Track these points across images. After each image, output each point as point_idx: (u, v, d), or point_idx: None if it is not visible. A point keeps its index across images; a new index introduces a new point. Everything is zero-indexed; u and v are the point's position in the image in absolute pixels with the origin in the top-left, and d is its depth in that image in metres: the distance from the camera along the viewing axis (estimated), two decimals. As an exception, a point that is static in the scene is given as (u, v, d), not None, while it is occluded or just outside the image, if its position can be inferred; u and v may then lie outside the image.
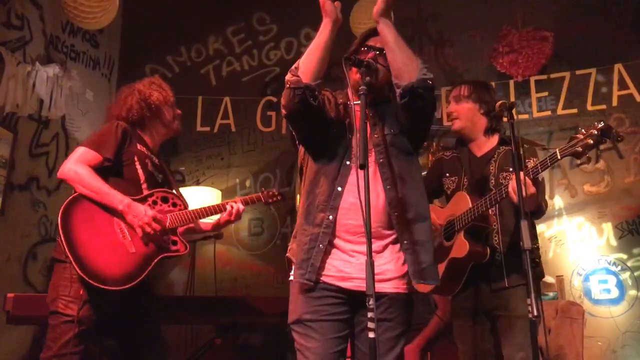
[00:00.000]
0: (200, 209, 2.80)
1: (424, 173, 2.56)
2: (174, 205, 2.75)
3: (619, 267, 4.35)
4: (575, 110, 4.59)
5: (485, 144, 2.88)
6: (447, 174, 2.97)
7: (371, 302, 1.64)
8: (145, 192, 2.70)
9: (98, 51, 5.36)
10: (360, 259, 1.98)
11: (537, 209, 2.66)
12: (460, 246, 2.69)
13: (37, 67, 4.40)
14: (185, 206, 2.80)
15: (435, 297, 3.66)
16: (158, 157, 2.91)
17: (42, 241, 4.45)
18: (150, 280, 2.82)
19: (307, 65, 2.02)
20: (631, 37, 4.59)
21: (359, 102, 1.91)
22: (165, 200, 2.74)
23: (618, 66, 4.48)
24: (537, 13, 4.84)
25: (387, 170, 2.07)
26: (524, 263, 2.18)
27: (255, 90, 5.42)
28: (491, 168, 2.81)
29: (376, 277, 1.94)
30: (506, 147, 2.83)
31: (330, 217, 2.02)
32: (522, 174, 2.42)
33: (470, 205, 2.68)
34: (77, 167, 2.59)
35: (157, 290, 4.71)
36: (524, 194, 2.36)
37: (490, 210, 2.70)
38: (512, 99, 4.62)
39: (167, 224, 2.67)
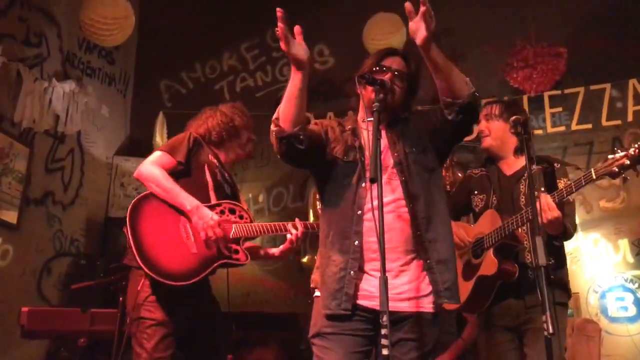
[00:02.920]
0: (265, 224, 2.84)
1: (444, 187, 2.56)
2: (241, 217, 2.78)
3: (637, 285, 4.29)
4: (589, 126, 4.57)
5: (515, 163, 2.88)
6: (476, 192, 2.96)
7: (384, 318, 1.63)
8: (214, 201, 2.75)
9: (114, 67, 5.43)
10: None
11: (563, 233, 2.64)
12: (490, 264, 2.68)
13: (53, 84, 4.46)
14: (252, 220, 2.82)
15: (466, 316, 3.63)
16: (229, 172, 2.99)
17: (57, 256, 4.48)
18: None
19: (285, 114, 2.04)
20: (646, 52, 4.56)
21: (372, 119, 1.91)
22: (232, 211, 2.77)
23: (633, 81, 4.46)
24: (551, 28, 4.83)
25: (410, 189, 2.06)
26: (539, 280, 2.16)
27: (268, 106, 5.40)
28: (521, 187, 2.80)
29: (397, 296, 1.96)
30: (537, 166, 2.82)
31: (356, 242, 2.01)
32: (547, 196, 2.46)
33: (501, 224, 2.68)
34: (153, 167, 2.68)
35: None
36: (549, 216, 2.39)
37: (521, 229, 2.68)
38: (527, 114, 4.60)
39: (232, 233, 2.70)
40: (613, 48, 4.63)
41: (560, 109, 4.65)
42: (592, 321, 3.71)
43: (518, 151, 2.86)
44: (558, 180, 2.73)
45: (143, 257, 2.49)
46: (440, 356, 3.55)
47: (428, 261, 2.01)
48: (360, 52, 4.63)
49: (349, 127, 2.19)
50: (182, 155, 2.73)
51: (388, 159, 2.10)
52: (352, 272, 1.98)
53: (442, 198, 2.16)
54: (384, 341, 1.62)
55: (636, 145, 2.35)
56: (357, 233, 2.01)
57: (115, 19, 4.36)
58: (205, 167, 2.78)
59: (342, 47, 5.27)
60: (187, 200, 2.62)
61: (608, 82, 4.53)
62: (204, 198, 2.71)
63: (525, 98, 4.72)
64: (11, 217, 4.05)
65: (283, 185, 5.30)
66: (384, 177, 2.04)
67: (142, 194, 2.68)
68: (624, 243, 4.38)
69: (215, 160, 2.86)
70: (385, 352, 1.61)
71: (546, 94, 4.66)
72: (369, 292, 1.99)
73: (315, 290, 2.16)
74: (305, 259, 4.92)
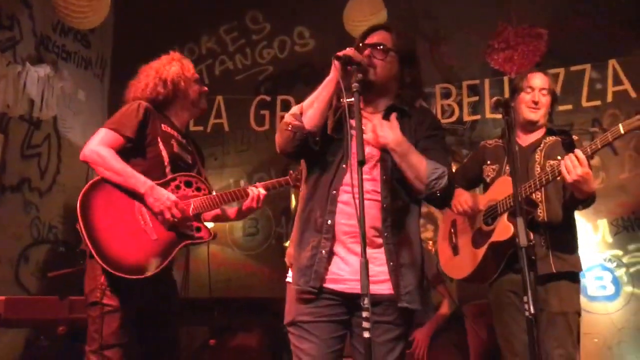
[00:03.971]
0: (223, 193, 2.72)
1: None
2: (198, 189, 2.66)
3: (615, 264, 4.35)
4: (570, 107, 4.58)
5: (531, 134, 2.90)
6: (489, 162, 2.98)
7: (365, 301, 1.62)
8: (169, 176, 2.61)
9: (90, 51, 5.31)
10: (355, 260, 1.95)
11: (590, 194, 2.61)
12: (504, 229, 2.69)
13: (27, 68, 4.36)
14: (210, 190, 2.71)
15: (440, 289, 3.67)
16: (187, 136, 2.83)
17: (34, 243, 4.41)
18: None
19: (312, 115, 2.02)
20: (625, 33, 4.57)
21: (352, 99, 1.88)
22: (188, 184, 2.65)
23: (612, 62, 4.47)
24: (532, 9, 4.82)
25: (387, 185, 2.05)
26: (520, 260, 2.16)
27: (248, 89, 5.39)
28: (537, 157, 2.83)
29: (373, 279, 1.92)
30: (554, 137, 2.87)
31: (329, 221, 2.01)
32: (577, 150, 2.45)
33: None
34: (100, 148, 2.50)
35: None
36: (580, 172, 2.39)
37: (536, 196, 2.71)
38: (507, 95, 4.60)
39: (191, 209, 2.59)
40: (593, 29, 4.64)
41: (541, 90, 4.66)
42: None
43: (535, 122, 2.88)
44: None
45: (101, 254, 2.38)
46: (419, 330, 3.59)
47: (391, 264, 2.01)
48: (341, 34, 4.59)
49: (344, 102, 2.15)
50: (132, 131, 2.54)
51: (376, 150, 2.08)
52: (323, 251, 1.99)
53: (416, 209, 2.15)
54: (365, 324, 1.61)
55: None
56: (330, 212, 2.01)
57: (90, 0, 4.25)
58: (158, 139, 2.61)
59: (323, 29, 5.22)
60: (140, 182, 2.47)
61: (588, 63, 4.55)
62: (160, 175, 2.58)
63: (506, 80, 4.72)
64: (-14, 204, 3.98)
65: (264, 170, 5.26)
66: (369, 164, 2.05)
67: (91, 181, 2.51)
68: (603, 223, 4.43)
69: (169, 128, 2.69)
70: (366, 334, 1.60)
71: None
72: (337, 275, 1.99)
73: (289, 270, 2.14)
74: (287, 244, 4.90)
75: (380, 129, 2.01)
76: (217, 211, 2.85)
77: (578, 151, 2.47)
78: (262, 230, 5.18)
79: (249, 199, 2.76)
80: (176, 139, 2.70)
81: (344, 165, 2.04)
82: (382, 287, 2.00)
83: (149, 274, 2.43)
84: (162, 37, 5.55)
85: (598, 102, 4.53)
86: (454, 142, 4.85)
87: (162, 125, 2.67)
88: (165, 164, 2.62)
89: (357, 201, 1.74)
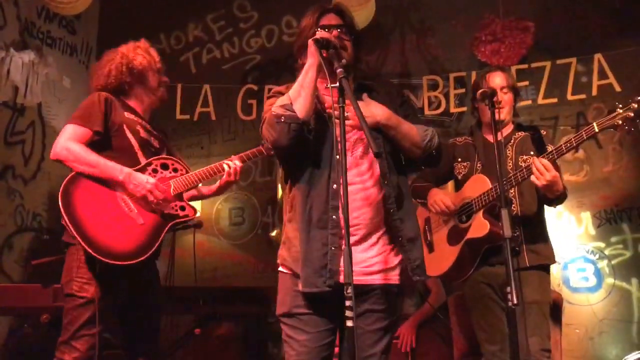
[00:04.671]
0: (202, 170, 2.73)
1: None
2: (175, 170, 2.67)
3: (597, 256, 4.40)
4: (555, 100, 4.61)
5: (498, 129, 2.91)
6: (459, 159, 3.02)
7: (349, 290, 1.63)
8: (143, 161, 2.61)
9: (75, 37, 5.25)
10: (357, 253, 1.96)
11: (561, 194, 2.70)
12: (480, 226, 2.74)
13: (11, 53, 4.30)
14: (187, 170, 2.72)
15: (428, 281, 3.70)
16: (150, 123, 2.81)
17: (18, 231, 4.37)
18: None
19: (302, 104, 1.98)
20: (611, 27, 4.60)
21: (336, 85, 1.85)
22: (165, 167, 2.66)
23: (598, 56, 4.50)
24: (519, 2, 4.83)
25: (384, 164, 2.05)
26: (504, 251, 2.19)
27: (235, 78, 5.36)
28: (508, 152, 2.87)
29: (366, 269, 1.98)
30: (523, 132, 2.92)
31: (334, 217, 1.99)
32: (540, 158, 2.56)
33: (490, 186, 2.74)
34: (69, 144, 2.48)
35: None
36: (548, 178, 2.49)
37: (511, 191, 2.77)
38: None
39: (172, 190, 2.60)
40: (579, 23, 4.67)
41: (526, 82, 4.68)
42: (555, 291, 3.80)
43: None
44: (547, 146, 2.79)
45: (92, 246, 2.36)
46: (404, 325, 3.63)
47: (400, 239, 2.02)
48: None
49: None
50: (99, 123, 2.54)
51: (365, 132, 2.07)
52: (333, 247, 1.97)
53: (407, 181, 2.20)
54: (348, 313, 1.61)
55: (638, 98, 2.44)
56: (334, 208, 1.99)
57: (75, -14, 4.20)
58: (124, 127, 2.60)
59: (311, 19, 5.19)
60: (117, 170, 2.47)
61: (574, 57, 4.57)
62: (132, 162, 2.57)
63: (492, 72, 4.73)
64: (-31, 191, 3.93)
65: (251, 160, 5.24)
66: (360, 149, 2.05)
67: (68, 177, 2.48)
68: (586, 216, 4.47)
69: (132, 115, 2.68)
70: (349, 323, 1.60)
71: (513, 68, 4.68)
72: (343, 269, 1.97)
73: (280, 266, 2.14)
74: (274, 233, 4.91)
75: (366, 110, 2.00)
76: (193, 192, 2.86)
77: (540, 160, 2.57)
78: (248, 220, 5.17)
79: (226, 173, 2.76)
80: (141, 124, 2.69)
81: (337, 157, 2.01)
82: (377, 277, 2.01)
83: (142, 257, 2.43)
84: (148, 24, 5.50)
85: (583, 96, 4.56)
86: (440, 134, 4.83)
87: (125, 112, 2.66)
88: (136, 149, 2.62)
89: (342, 194, 1.75)
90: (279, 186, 4.85)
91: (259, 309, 4.09)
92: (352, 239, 1.97)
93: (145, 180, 2.49)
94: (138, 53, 2.74)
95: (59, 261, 3.29)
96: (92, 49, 5.52)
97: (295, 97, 1.99)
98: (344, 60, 1.95)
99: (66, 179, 2.49)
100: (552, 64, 4.62)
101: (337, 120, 1.92)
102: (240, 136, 5.29)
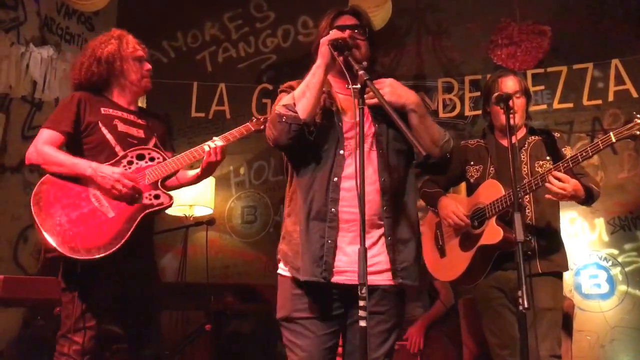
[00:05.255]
0: (178, 156, 2.69)
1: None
2: (152, 159, 2.65)
3: (610, 263, 4.37)
4: (571, 105, 4.59)
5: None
6: (472, 162, 3.00)
7: (364, 291, 1.62)
8: (120, 155, 2.62)
9: (93, 34, 5.28)
10: (352, 251, 1.94)
11: (587, 197, 2.68)
12: (493, 232, 2.72)
13: (31, 49, 4.36)
14: (165, 158, 2.69)
15: (437, 283, 3.69)
16: (136, 112, 2.78)
17: (33, 224, 4.41)
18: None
19: (305, 105, 1.97)
20: (629, 33, 4.57)
21: (357, 86, 1.83)
22: (141, 157, 2.64)
23: (615, 62, 4.47)
24: (536, 6, 4.81)
25: (384, 163, 2.04)
26: (515, 254, 2.19)
27: (251, 78, 5.39)
28: (522, 157, 2.84)
29: (369, 269, 1.90)
30: (536, 136, 2.89)
31: (333, 209, 1.98)
32: (554, 172, 2.54)
33: (503, 193, 2.71)
34: (39, 147, 2.54)
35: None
36: (569, 189, 2.48)
37: (524, 198, 2.74)
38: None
39: (147, 179, 2.60)
40: (597, 28, 4.64)
41: (542, 87, 4.66)
42: (567, 297, 3.78)
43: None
44: (563, 149, 2.77)
45: (62, 245, 2.40)
46: (412, 327, 3.63)
47: (390, 238, 2.00)
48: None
49: (324, 89, 2.10)
50: (68, 124, 2.57)
51: (370, 127, 2.06)
52: (329, 240, 1.96)
53: (413, 180, 2.14)
54: (362, 313, 1.61)
55: None
56: (333, 201, 1.98)
57: (95, -17, 4.25)
58: (99, 124, 2.61)
59: (327, 19, 5.20)
60: (83, 166, 2.50)
61: (591, 62, 4.54)
62: (110, 156, 2.59)
63: (508, 76, 4.72)
64: (-14, 184, 3.99)
65: (264, 159, 5.27)
66: (365, 146, 2.01)
67: (40, 180, 2.55)
68: (600, 222, 4.44)
69: (111, 109, 2.67)
70: (362, 323, 1.61)
71: (529, 72, 4.66)
72: (337, 267, 1.97)
73: (280, 263, 2.12)
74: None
75: (395, 91, 1.97)
76: (173, 181, 2.81)
77: (557, 173, 2.56)
78: (260, 218, 5.19)
79: (206, 153, 2.70)
80: (120, 118, 2.68)
81: (341, 152, 2.02)
82: (380, 277, 1.99)
83: (113, 249, 2.43)
84: (166, 22, 5.56)
85: (599, 101, 4.52)
86: (454, 136, 4.83)
87: (102, 109, 2.66)
88: (113, 144, 2.62)
89: (358, 190, 1.73)
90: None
91: (269, 307, 4.10)
92: (350, 235, 1.97)
93: (111, 172, 2.50)
94: (109, 43, 2.70)
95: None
96: (110, 46, 5.56)
97: (299, 98, 1.99)
98: (364, 63, 1.93)
99: (37, 185, 2.55)
100: (568, 69, 4.60)
101: (345, 120, 1.94)
102: (254, 135, 5.27)
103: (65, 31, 4.91)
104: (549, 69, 4.66)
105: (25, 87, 4.31)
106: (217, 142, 2.72)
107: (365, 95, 1.85)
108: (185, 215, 4.80)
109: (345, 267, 1.96)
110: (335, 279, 1.96)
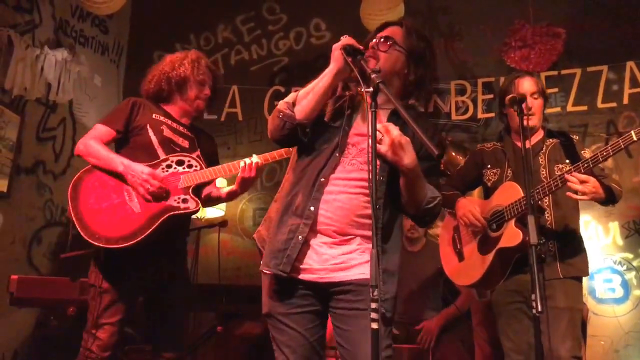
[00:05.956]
0: (214, 167, 2.76)
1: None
2: (190, 166, 2.75)
3: (625, 267, 4.33)
4: (585, 108, 4.56)
5: (530, 136, 2.85)
6: (489, 166, 2.97)
7: (375, 293, 1.61)
8: (162, 157, 2.73)
9: (107, 37, 5.35)
10: (324, 251, 1.94)
11: (608, 197, 2.64)
12: (512, 235, 2.68)
13: (45, 51, 4.39)
14: (203, 167, 2.77)
15: (460, 286, 3.65)
16: (187, 126, 2.90)
17: (47, 225, 4.46)
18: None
19: (305, 106, 1.98)
20: (645, 35, 4.54)
21: (370, 90, 1.78)
22: (180, 163, 2.74)
23: (630, 64, 4.44)
24: (549, 8, 4.79)
25: (385, 178, 1.99)
26: (529, 258, 2.18)
27: (263, 80, 5.40)
28: (540, 160, 2.81)
29: (340, 265, 1.94)
30: (554, 139, 2.86)
31: (312, 207, 1.96)
32: (574, 173, 2.52)
33: (522, 195, 2.68)
34: (87, 141, 2.70)
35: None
36: (588, 189, 2.46)
37: (543, 201, 2.71)
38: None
39: (180, 183, 2.68)
40: (611, 30, 4.61)
41: (556, 89, 4.64)
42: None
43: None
44: (582, 151, 2.74)
45: (88, 232, 2.52)
46: (428, 321, 3.61)
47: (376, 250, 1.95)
48: (357, 27, 4.58)
49: (349, 93, 2.10)
50: (121, 124, 2.73)
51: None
52: (300, 236, 1.95)
53: (397, 211, 2.07)
54: (373, 315, 1.61)
55: None
56: (315, 199, 1.97)
57: (109, -14, 4.28)
58: (147, 127, 2.74)
59: (339, 22, 5.21)
60: (117, 162, 2.63)
61: (605, 64, 4.51)
62: (150, 157, 2.70)
63: (521, 78, 4.70)
64: (1, 185, 4.02)
65: (276, 161, 5.26)
66: (361, 158, 2.00)
67: (83, 169, 2.69)
68: (614, 226, 4.40)
69: (161, 117, 2.81)
70: (374, 325, 1.60)
71: (543, 75, 4.63)
72: (307, 264, 1.96)
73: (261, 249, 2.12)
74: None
75: (399, 146, 1.87)
76: (212, 191, 2.91)
77: (576, 174, 2.53)
78: (272, 221, 5.19)
79: (241, 169, 2.74)
80: (168, 125, 2.80)
81: (337, 154, 2.00)
82: (352, 272, 1.94)
83: (131, 242, 2.50)
84: (179, 25, 5.59)
85: (614, 104, 4.49)
86: (467, 139, 4.84)
87: (154, 114, 2.80)
88: (156, 147, 2.73)
89: (373, 192, 1.71)
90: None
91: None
92: (326, 239, 1.96)
93: (140, 171, 2.61)
94: (182, 64, 2.86)
95: (86, 255, 3.36)
96: (123, 49, 5.62)
97: (301, 98, 2.00)
98: (378, 66, 1.91)
99: (80, 171, 2.70)
100: (583, 71, 4.57)
101: (354, 126, 1.94)
102: (266, 137, 5.21)
103: (80, 34, 4.95)
104: (563, 72, 4.64)
105: (39, 89, 4.35)
106: (254, 159, 2.77)
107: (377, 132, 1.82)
108: (198, 217, 4.82)
109: (316, 266, 1.95)
110: (305, 276, 1.95)
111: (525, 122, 2.57)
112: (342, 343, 1.96)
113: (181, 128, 2.86)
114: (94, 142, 2.68)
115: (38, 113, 4.43)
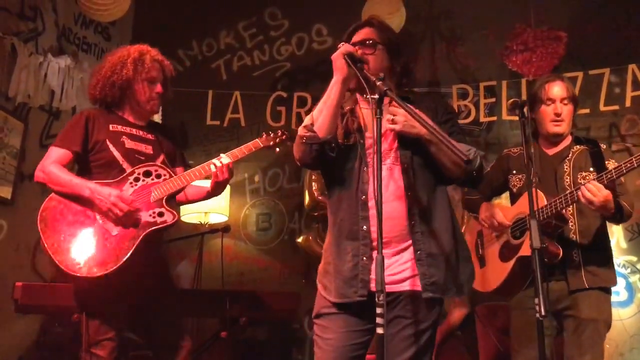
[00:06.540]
0: (185, 173, 2.69)
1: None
2: (159, 176, 2.66)
3: (629, 270, 4.31)
4: (587, 111, 4.55)
5: (557, 142, 2.83)
6: (514, 171, 2.91)
7: (381, 298, 1.63)
8: (127, 172, 2.64)
9: (110, 44, 5.36)
10: (387, 262, 1.96)
11: (616, 214, 2.60)
12: None
13: (49, 59, 4.41)
14: (171, 175, 2.69)
15: (455, 300, 3.65)
16: (145, 127, 2.80)
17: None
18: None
19: (323, 123, 2.01)
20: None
21: (376, 97, 1.84)
22: (148, 174, 2.65)
23: (632, 67, 4.43)
24: (551, 12, 4.79)
25: (410, 177, 2.04)
26: (532, 262, 2.17)
27: (265, 85, 5.42)
28: (565, 167, 2.76)
29: (394, 277, 1.97)
30: (581, 146, 2.79)
31: (364, 227, 2.01)
32: (592, 181, 2.48)
33: (545, 203, 2.63)
34: (46, 166, 2.59)
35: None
36: (601, 199, 2.40)
37: (567, 209, 2.65)
38: (524, 98, 4.58)
39: (152, 198, 2.61)
40: (613, 33, 4.61)
41: (558, 93, 4.63)
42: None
43: (553, 138, 2.82)
44: (607, 162, 2.68)
45: (65, 262, 2.46)
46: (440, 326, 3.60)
47: (418, 252, 2.00)
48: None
49: (347, 107, 2.14)
50: (78, 144, 2.62)
51: (392, 142, 2.07)
52: (364, 258, 1.98)
53: (443, 191, 2.13)
54: (379, 320, 1.62)
55: None
56: (364, 219, 2.01)
57: (112, -7, 4.30)
58: (107, 142, 2.63)
59: (341, 27, 5.16)
60: (82, 187, 2.53)
61: (607, 67, 4.51)
62: (119, 172, 2.62)
63: (524, 82, 4.70)
64: (5, 192, 4.03)
65: (279, 166, 5.29)
66: (388, 161, 2.03)
67: (45, 201, 2.60)
68: (618, 229, 4.38)
69: (119, 126, 2.70)
70: (380, 331, 1.61)
71: (544, 78, 4.63)
72: (372, 279, 1.98)
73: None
74: (300, 239, 4.93)
75: (413, 119, 1.93)
76: (182, 197, 2.82)
77: (592, 183, 2.49)
78: (275, 226, 5.20)
79: (213, 174, 2.69)
80: (127, 134, 2.70)
81: (364, 169, 2.03)
82: (404, 285, 2.00)
83: (115, 266, 2.45)
84: (181, 31, 5.61)
85: (616, 107, 4.49)
86: (469, 143, 4.82)
87: (111, 125, 2.70)
88: (121, 162, 2.64)
89: (376, 203, 1.74)
90: (306, 193, 4.87)
91: (284, 314, 4.11)
92: (388, 250, 1.99)
93: (108, 194, 2.51)
94: (125, 67, 2.70)
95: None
96: (126, 55, 5.62)
97: (317, 116, 2.03)
98: (381, 73, 1.93)
99: (44, 202, 2.60)
100: (585, 75, 4.56)
101: (367, 136, 1.95)
102: (269, 143, 5.32)
103: (83, 41, 4.97)
104: (565, 75, 4.62)
105: (43, 96, 4.36)
106: (224, 159, 2.71)
107: (385, 119, 1.87)
108: (201, 223, 4.83)
109: (372, 274, 1.98)
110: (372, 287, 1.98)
111: (551, 129, 2.60)
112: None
113: (141, 133, 2.75)
114: (55, 168, 2.57)
115: (41, 120, 4.44)
